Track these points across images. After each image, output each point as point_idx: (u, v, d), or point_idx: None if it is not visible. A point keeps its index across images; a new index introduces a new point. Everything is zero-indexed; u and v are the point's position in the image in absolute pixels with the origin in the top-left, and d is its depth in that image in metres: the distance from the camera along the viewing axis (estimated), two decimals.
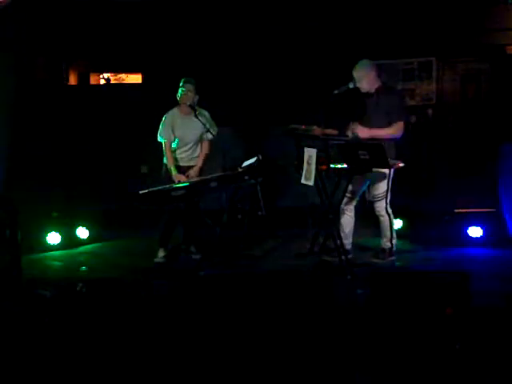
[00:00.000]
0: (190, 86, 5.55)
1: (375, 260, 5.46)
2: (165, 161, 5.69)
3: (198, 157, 5.72)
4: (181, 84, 5.59)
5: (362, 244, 5.92)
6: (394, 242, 5.45)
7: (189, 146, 5.67)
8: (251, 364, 3.39)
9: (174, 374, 3.36)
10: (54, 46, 8.04)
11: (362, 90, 5.28)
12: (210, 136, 5.67)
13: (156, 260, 5.69)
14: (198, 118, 5.51)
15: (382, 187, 5.28)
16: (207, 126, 5.58)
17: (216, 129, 5.71)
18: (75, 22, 7.88)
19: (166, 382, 3.32)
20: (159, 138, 5.63)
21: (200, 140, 5.69)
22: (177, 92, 5.60)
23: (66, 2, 7.75)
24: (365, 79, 5.23)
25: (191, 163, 5.70)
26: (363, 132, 5.16)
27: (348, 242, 5.49)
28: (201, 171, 5.70)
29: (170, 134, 5.56)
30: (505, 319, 3.69)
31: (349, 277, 5.01)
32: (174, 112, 5.62)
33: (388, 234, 5.41)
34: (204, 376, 3.31)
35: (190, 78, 5.64)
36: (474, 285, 3.77)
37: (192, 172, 5.63)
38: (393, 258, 5.46)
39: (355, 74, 5.25)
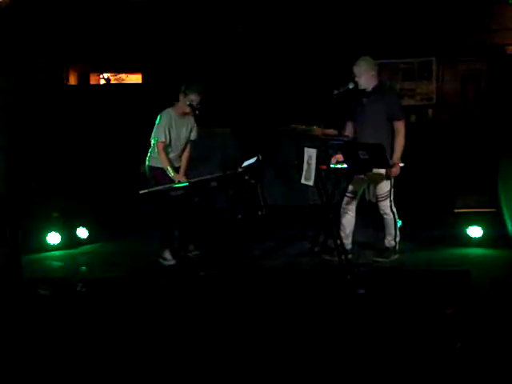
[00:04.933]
0: (199, 97, 5.52)
1: (379, 259, 5.45)
2: (148, 162, 5.69)
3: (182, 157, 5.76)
4: (191, 91, 5.49)
5: (363, 243, 5.92)
6: (398, 239, 5.45)
7: (181, 147, 5.70)
8: (251, 363, 3.39)
9: (174, 373, 3.35)
10: (54, 46, 8.05)
11: (360, 87, 5.28)
12: (194, 136, 5.74)
13: (166, 263, 5.59)
14: (196, 115, 5.57)
15: (386, 186, 5.29)
16: (195, 126, 5.69)
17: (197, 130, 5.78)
18: (75, 23, 7.89)
19: (166, 381, 3.32)
20: (154, 139, 5.58)
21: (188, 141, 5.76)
22: (180, 93, 5.55)
23: (66, 3, 7.75)
24: (364, 75, 5.24)
25: (179, 164, 5.73)
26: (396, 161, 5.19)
27: (348, 242, 5.49)
28: (186, 172, 5.73)
29: (167, 135, 5.55)
30: (505, 319, 3.69)
31: (349, 277, 5.01)
32: (170, 113, 5.60)
33: (392, 232, 5.41)
34: (204, 376, 3.31)
35: (196, 84, 5.59)
36: (474, 284, 3.77)
37: (180, 175, 5.63)
38: (396, 256, 5.46)
39: (356, 69, 5.25)
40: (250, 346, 3.59)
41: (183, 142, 5.69)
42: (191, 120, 5.68)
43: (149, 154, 5.69)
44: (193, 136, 5.75)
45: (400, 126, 5.21)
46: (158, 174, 5.60)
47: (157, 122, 5.57)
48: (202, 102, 5.53)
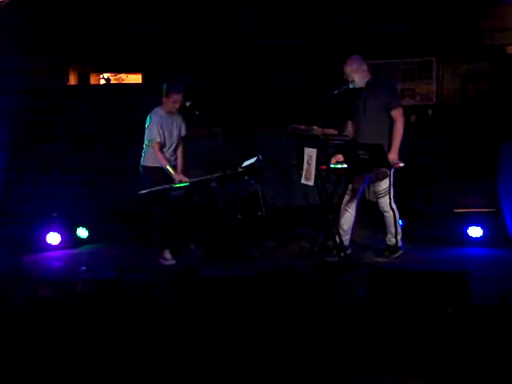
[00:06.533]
0: (182, 97, 5.56)
1: (379, 259, 5.45)
2: (142, 163, 5.69)
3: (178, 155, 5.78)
4: (172, 90, 5.55)
5: (363, 244, 5.92)
6: (399, 237, 5.44)
7: (174, 145, 5.72)
8: (251, 365, 3.39)
9: (174, 374, 3.36)
10: (54, 46, 8.05)
11: (356, 85, 5.29)
12: (184, 133, 5.79)
13: (166, 263, 5.62)
14: (184, 111, 5.63)
15: (385, 183, 5.28)
16: (184, 123, 5.73)
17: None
18: (75, 22, 7.89)
19: (166, 381, 3.32)
20: (148, 140, 5.60)
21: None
22: (162, 94, 5.58)
23: (66, 2, 7.76)
24: (358, 72, 5.26)
25: (175, 162, 5.75)
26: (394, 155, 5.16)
27: (346, 239, 5.49)
28: (183, 170, 5.74)
29: (161, 134, 5.57)
30: (504, 319, 3.69)
31: (349, 277, 5.01)
32: (159, 112, 5.63)
33: (392, 229, 5.40)
34: (204, 377, 3.31)
35: (178, 83, 5.63)
36: (474, 285, 3.77)
37: (180, 174, 5.63)
38: (397, 254, 5.45)
39: (348, 68, 5.27)
40: (250, 347, 3.59)
41: (175, 139, 5.72)
42: (179, 117, 5.72)
43: (143, 155, 5.71)
44: (182, 132, 5.79)
45: (398, 115, 5.21)
46: (152, 173, 5.61)
47: (147, 122, 5.59)
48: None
